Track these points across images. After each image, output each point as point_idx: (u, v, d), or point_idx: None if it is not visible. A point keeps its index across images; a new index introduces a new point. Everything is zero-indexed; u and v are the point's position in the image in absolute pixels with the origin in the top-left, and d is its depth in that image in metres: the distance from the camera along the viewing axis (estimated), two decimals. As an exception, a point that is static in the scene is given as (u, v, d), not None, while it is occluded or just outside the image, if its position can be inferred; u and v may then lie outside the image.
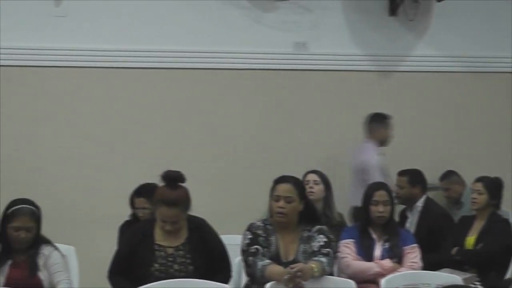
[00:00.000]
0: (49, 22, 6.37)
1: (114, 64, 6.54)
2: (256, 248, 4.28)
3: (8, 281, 4.22)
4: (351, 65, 7.05)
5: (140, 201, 5.22)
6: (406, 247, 4.91)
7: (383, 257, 4.87)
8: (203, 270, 4.20)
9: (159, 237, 4.25)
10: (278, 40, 6.86)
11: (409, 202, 6.03)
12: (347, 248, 4.89)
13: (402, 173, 6.10)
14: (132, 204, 5.28)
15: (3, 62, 6.26)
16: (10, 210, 4.34)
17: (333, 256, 4.36)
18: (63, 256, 4.46)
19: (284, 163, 6.20)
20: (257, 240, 4.31)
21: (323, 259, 4.21)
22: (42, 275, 4.32)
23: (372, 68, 7.14)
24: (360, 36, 7.11)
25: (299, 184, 4.46)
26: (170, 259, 4.21)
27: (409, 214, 6.00)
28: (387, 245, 4.92)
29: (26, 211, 4.34)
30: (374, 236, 4.96)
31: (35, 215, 4.37)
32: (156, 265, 4.20)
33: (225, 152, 6.78)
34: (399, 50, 7.20)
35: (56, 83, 6.45)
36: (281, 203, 4.30)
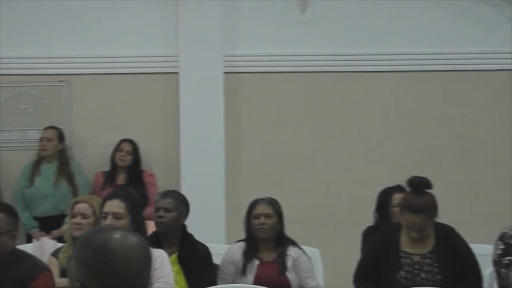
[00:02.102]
0: (294, 28, 6.48)
1: (354, 68, 6.52)
2: (510, 260, 4.05)
3: (257, 279, 4.37)
4: None
5: None
6: None
7: None
8: (452, 280, 4.05)
9: (405, 244, 4.15)
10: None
11: None
12: None
13: None
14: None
15: (245, 69, 6.46)
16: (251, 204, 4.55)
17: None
18: (310, 259, 4.53)
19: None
20: (509, 251, 4.08)
21: None
22: (290, 276, 4.42)
23: None
24: None
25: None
26: (417, 266, 4.11)
27: None
28: None
29: (265, 200, 4.56)
30: None
31: (275, 205, 4.56)
32: (402, 272, 4.11)
33: (470, 156, 6.51)
34: None
35: (296, 87, 6.55)
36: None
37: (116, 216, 3.98)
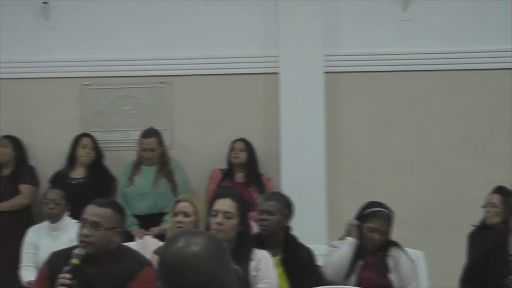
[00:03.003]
0: (396, 26, 6.37)
1: (458, 67, 6.35)
2: None
3: (360, 281, 4.31)
4: None
5: None
6: None
7: None
8: None
9: (514, 248, 4.02)
10: None
11: None
12: None
13: None
14: None
15: (345, 69, 6.38)
16: (367, 211, 4.43)
17: None
18: (412, 261, 4.43)
19: None
20: None
21: None
22: (392, 277, 4.33)
23: None
24: None
25: None
26: (526, 271, 3.96)
27: None
28: None
29: (383, 215, 4.42)
30: None
31: (390, 219, 4.42)
32: (511, 277, 3.96)
33: None
34: None
35: (398, 86, 6.42)
36: None
37: (227, 215, 3.96)
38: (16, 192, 6.12)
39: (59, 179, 6.12)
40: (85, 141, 6.23)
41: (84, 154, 6.18)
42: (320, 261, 4.48)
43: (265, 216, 4.37)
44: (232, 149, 6.18)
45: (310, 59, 6.24)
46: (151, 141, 6.11)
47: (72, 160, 6.23)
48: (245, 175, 6.13)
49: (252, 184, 6.03)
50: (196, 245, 1.99)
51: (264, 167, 6.34)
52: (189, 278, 1.96)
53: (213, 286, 1.97)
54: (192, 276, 1.96)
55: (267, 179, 6.19)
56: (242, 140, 6.20)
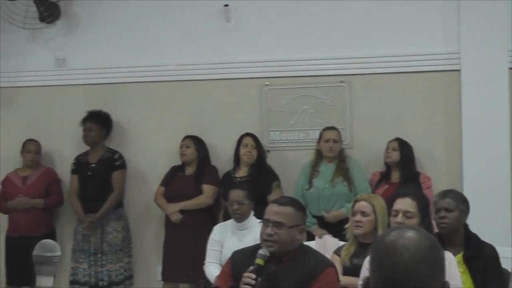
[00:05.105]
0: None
1: None
2: None
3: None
4: None
5: None
6: None
7: None
8: None
9: None
10: None
11: None
12: None
13: None
14: None
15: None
16: None
17: None
18: None
19: None
20: None
21: None
22: None
23: None
24: None
25: None
26: None
27: None
28: None
29: None
30: None
31: None
32: None
33: None
34: None
35: None
36: None
37: (407, 215, 3.93)
38: (199, 192, 6.32)
39: (227, 179, 6.28)
40: (247, 140, 6.34)
41: (245, 153, 6.30)
42: (506, 264, 4.29)
43: (443, 214, 4.26)
44: (386, 148, 6.10)
45: (493, 55, 6.06)
46: (334, 133, 6.15)
47: (237, 160, 6.38)
48: (400, 174, 6.02)
49: (408, 184, 5.84)
50: (409, 238, 1.91)
51: (445, 166, 6.21)
52: (383, 268, 1.89)
53: (405, 287, 1.87)
54: (387, 266, 1.89)
55: (426, 177, 6.04)
56: (397, 139, 6.10)
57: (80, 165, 6.65)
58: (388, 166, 6.11)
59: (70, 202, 6.65)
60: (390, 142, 6.11)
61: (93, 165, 6.59)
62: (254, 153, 6.30)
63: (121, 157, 6.62)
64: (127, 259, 6.60)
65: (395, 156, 6.05)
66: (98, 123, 6.65)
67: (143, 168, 6.80)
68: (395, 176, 6.05)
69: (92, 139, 6.63)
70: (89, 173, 6.57)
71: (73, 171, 6.68)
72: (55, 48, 6.98)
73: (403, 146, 6.08)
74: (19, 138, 6.80)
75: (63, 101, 6.98)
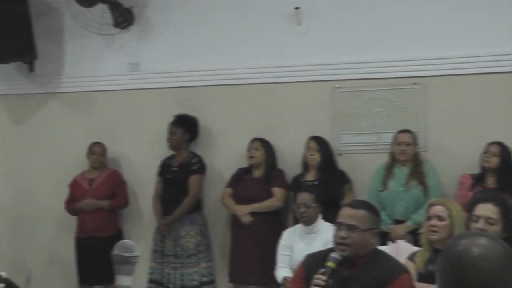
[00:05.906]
0: None
1: None
2: None
3: None
4: None
5: None
6: None
7: None
8: None
9: None
10: None
11: None
12: None
13: None
14: None
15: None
16: None
17: None
18: None
19: None
20: None
21: None
22: None
23: None
24: None
25: None
26: None
27: None
28: None
29: None
30: None
31: None
32: None
33: None
34: None
35: None
36: None
37: (489, 221, 3.83)
38: (268, 195, 6.31)
39: (296, 183, 6.26)
40: (310, 143, 6.31)
41: (308, 156, 6.27)
42: None
43: None
44: (485, 151, 5.91)
45: None
46: (407, 136, 6.06)
47: (305, 163, 6.35)
48: (497, 180, 5.81)
49: (506, 191, 5.59)
50: (483, 246, 1.85)
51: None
52: (462, 279, 1.83)
53: None
54: (466, 277, 1.83)
55: None
56: (497, 143, 5.88)
57: (164, 167, 6.74)
58: (483, 170, 5.90)
59: (152, 203, 6.75)
60: (489, 145, 5.89)
61: (175, 168, 6.66)
62: (317, 156, 6.25)
63: (199, 161, 6.65)
64: (205, 264, 6.57)
65: (495, 162, 5.84)
66: (182, 126, 6.71)
67: (222, 172, 6.80)
68: (491, 181, 5.85)
69: (174, 142, 6.71)
70: (170, 176, 6.65)
71: (158, 173, 6.78)
72: (129, 53, 7.09)
73: (504, 152, 5.86)
74: (94, 141, 6.94)
75: (136, 105, 7.08)
